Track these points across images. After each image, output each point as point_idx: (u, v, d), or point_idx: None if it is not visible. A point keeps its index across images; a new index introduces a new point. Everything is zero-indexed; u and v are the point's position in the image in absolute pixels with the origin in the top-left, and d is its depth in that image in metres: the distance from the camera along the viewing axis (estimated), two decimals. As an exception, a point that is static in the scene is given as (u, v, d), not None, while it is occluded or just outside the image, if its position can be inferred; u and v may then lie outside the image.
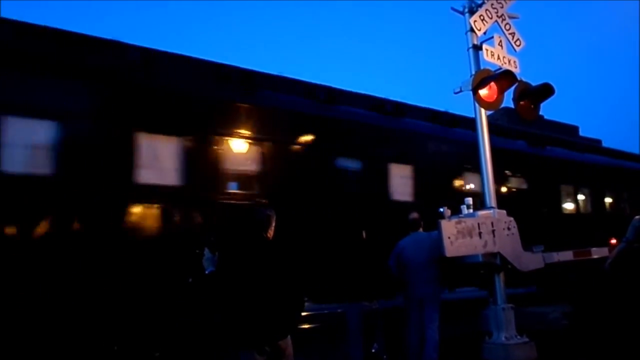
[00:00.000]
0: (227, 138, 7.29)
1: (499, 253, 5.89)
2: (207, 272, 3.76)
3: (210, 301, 4.28)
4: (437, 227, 5.63)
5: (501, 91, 6.33)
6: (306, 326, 7.94)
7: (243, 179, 7.41)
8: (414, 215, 6.55)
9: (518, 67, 6.79)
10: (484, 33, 6.63)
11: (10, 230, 5.66)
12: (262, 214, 3.95)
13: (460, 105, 9.01)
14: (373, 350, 5.83)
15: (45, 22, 6.60)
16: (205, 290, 3.88)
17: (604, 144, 18.50)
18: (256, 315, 3.56)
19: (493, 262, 5.92)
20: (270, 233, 3.95)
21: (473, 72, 6.46)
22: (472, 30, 6.55)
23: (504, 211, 6.20)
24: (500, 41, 6.75)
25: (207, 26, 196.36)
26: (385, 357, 5.88)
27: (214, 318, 4.87)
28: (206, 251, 3.84)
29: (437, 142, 10.04)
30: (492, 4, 6.65)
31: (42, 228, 5.75)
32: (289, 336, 3.72)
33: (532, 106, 6.75)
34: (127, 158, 6.40)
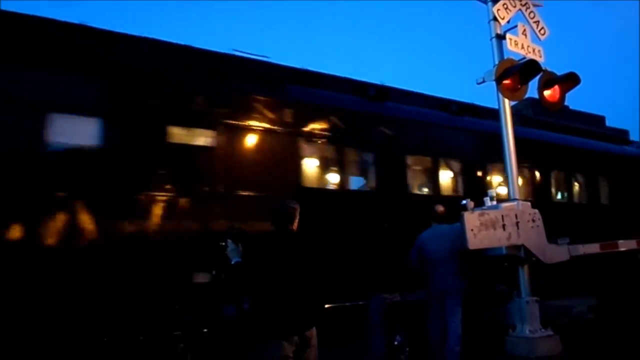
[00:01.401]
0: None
1: (523, 245, 5.80)
2: (232, 262, 3.83)
3: (238, 291, 4.35)
4: (460, 219, 5.58)
5: (525, 81, 6.21)
6: (329, 319, 7.96)
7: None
8: (439, 207, 6.51)
9: (543, 56, 6.64)
10: (508, 22, 6.50)
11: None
12: (289, 207, 4.05)
13: (483, 96, 8.92)
14: (395, 343, 5.84)
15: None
16: (233, 281, 3.94)
17: (632, 135, 18.06)
18: (287, 306, 3.67)
19: (517, 255, 5.84)
20: (295, 225, 4.05)
21: (496, 62, 6.34)
22: (495, 19, 6.42)
23: (529, 203, 6.10)
24: (524, 30, 6.61)
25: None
26: (407, 349, 5.88)
27: (244, 308, 4.97)
28: (230, 242, 3.91)
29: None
30: (515, -8, 6.52)
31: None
32: (314, 327, 3.83)
33: (558, 96, 6.62)
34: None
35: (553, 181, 11.56)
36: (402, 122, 9.09)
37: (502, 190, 8.37)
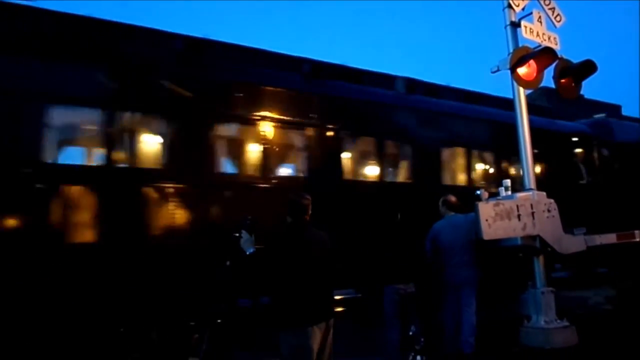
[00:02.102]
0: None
1: (538, 236, 5.75)
2: (247, 253, 3.85)
3: (256, 281, 4.40)
4: (474, 210, 5.54)
5: (541, 69, 6.13)
6: (344, 309, 8.00)
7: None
8: (451, 198, 6.46)
9: (558, 44, 6.54)
10: (522, 9, 6.41)
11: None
12: (305, 198, 4.10)
13: (497, 85, 8.82)
14: (410, 333, 5.83)
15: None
16: (249, 271, 3.97)
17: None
18: (317, 294, 3.84)
19: (532, 245, 5.79)
20: (308, 217, 4.10)
21: (511, 50, 6.26)
22: (509, 6, 6.33)
23: (544, 193, 6.04)
24: (540, 17, 6.51)
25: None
26: (422, 340, 5.87)
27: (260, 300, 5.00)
28: (244, 233, 3.92)
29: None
30: (531, -22, 6.42)
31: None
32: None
33: (573, 84, 6.52)
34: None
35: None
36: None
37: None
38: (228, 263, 5.39)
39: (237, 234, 3.96)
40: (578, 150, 12.08)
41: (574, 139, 12.01)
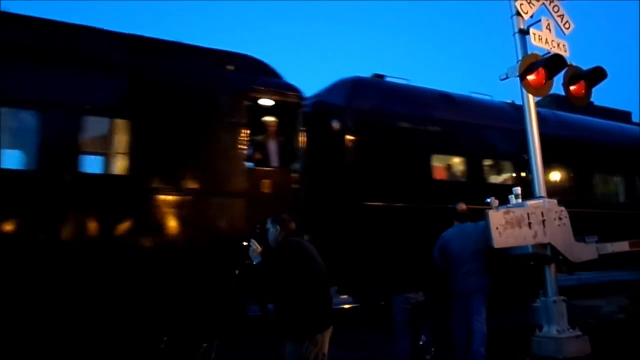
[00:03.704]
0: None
1: (549, 244, 5.71)
2: (254, 263, 3.85)
3: (261, 291, 4.39)
4: (485, 218, 5.50)
5: (550, 76, 6.11)
6: (353, 319, 7.95)
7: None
8: (461, 206, 6.42)
9: (568, 50, 6.54)
10: (531, 16, 6.41)
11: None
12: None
13: (505, 92, 8.77)
14: (421, 343, 5.78)
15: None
16: (256, 281, 3.98)
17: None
18: (323, 303, 3.89)
19: (543, 253, 5.74)
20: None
21: (520, 58, 6.25)
22: (518, 14, 6.34)
23: (555, 201, 5.99)
24: (549, 24, 6.51)
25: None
26: (433, 349, 5.81)
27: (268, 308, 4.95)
28: (253, 242, 3.93)
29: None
30: (539, -14, 6.42)
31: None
32: None
33: (583, 91, 6.49)
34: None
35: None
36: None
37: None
38: (237, 272, 5.41)
39: (246, 243, 3.96)
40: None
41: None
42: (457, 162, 9.58)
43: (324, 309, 3.88)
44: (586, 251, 6.02)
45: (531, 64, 6.04)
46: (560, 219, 5.82)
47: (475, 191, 8.57)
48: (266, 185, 7.13)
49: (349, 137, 8.24)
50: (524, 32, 6.36)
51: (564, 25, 6.60)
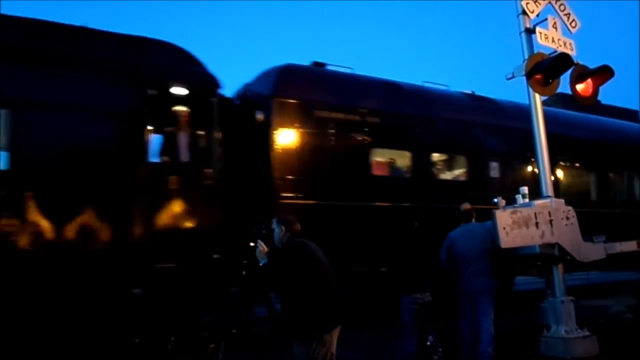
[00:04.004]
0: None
1: (557, 244, 5.68)
2: (261, 264, 3.86)
3: (269, 291, 4.39)
4: (492, 218, 5.49)
5: (557, 75, 6.07)
6: (359, 319, 7.93)
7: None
8: (466, 206, 6.41)
9: (574, 49, 6.49)
10: (537, 15, 6.38)
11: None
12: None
13: (512, 91, 8.70)
14: (428, 343, 5.77)
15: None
16: (264, 282, 3.99)
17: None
18: (332, 302, 3.89)
19: (551, 253, 5.72)
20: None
21: (526, 57, 6.22)
22: (524, 12, 6.30)
23: (562, 200, 5.97)
24: (555, 23, 6.47)
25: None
26: (440, 350, 5.80)
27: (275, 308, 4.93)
28: (259, 243, 3.93)
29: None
30: (545, -15, 6.39)
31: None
32: None
33: (591, 90, 6.45)
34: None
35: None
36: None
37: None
38: (244, 273, 5.42)
39: (253, 244, 3.97)
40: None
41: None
42: (401, 156, 8.79)
43: (330, 308, 3.88)
44: (594, 251, 6.00)
45: (537, 63, 6.01)
46: (567, 218, 5.79)
47: (423, 188, 8.25)
48: (172, 181, 6.39)
49: (273, 129, 7.46)
50: (530, 31, 6.33)
51: (570, 23, 6.56)
